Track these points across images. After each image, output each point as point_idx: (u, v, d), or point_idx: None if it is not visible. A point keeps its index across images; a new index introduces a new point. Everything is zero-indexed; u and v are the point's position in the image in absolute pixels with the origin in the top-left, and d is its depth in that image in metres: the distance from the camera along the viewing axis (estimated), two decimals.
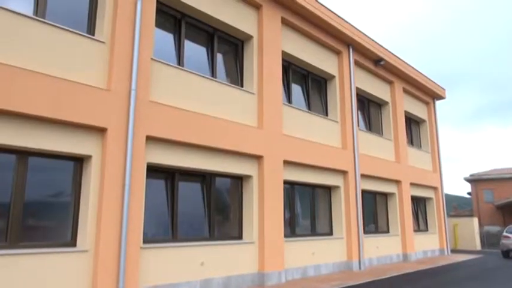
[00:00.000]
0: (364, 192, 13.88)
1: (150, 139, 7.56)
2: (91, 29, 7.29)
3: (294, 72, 12.05)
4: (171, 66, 8.22)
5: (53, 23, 6.51)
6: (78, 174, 6.76)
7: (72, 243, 6.48)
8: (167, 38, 8.75)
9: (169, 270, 7.50)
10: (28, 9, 6.55)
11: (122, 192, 6.84)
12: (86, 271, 6.37)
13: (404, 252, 15.08)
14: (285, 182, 10.73)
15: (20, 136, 5.96)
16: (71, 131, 6.54)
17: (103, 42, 7.14)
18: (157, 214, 7.90)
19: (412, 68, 16.78)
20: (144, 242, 7.32)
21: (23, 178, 6.11)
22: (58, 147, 6.36)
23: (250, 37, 10.23)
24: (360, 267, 12.15)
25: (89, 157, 6.76)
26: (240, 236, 9.32)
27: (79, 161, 6.81)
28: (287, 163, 10.57)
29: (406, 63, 16.31)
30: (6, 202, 5.94)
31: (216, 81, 9.10)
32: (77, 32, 6.81)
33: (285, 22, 11.21)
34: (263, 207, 9.38)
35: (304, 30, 11.72)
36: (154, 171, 7.91)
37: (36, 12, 6.59)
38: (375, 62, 14.87)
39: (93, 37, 7.03)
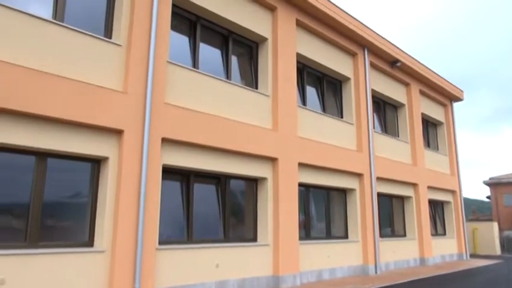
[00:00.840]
0: (380, 195, 13.70)
1: (165, 141, 7.62)
2: (108, 33, 7.40)
3: (309, 74, 12.00)
4: (186, 68, 8.27)
5: (71, 27, 6.62)
6: (95, 176, 6.85)
7: (90, 243, 6.56)
8: (182, 41, 8.82)
9: (184, 271, 7.52)
10: (47, 13, 6.68)
11: (138, 194, 6.89)
12: (103, 271, 6.44)
13: (422, 256, 14.82)
14: (300, 185, 10.66)
15: (39, 138, 6.07)
16: (88, 132, 6.63)
17: (120, 45, 7.24)
18: (172, 215, 7.94)
19: (429, 69, 16.54)
20: (160, 243, 7.36)
21: (42, 179, 6.22)
22: (76, 148, 6.45)
23: (264, 39, 10.24)
24: (376, 271, 11.98)
25: (106, 159, 6.84)
26: (254, 238, 9.30)
27: (96, 163, 6.90)
28: (302, 165, 10.51)
29: (422, 64, 16.09)
30: (25, 202, 6.05)
31: (230, 83, 9.13)
32: (95, 35, 6.92)
33: (299, 24, 11.19)
34: (278, 210, 9.34)
35: (319, 32, 11.67)
36: (169, 172, 7.96)
37: (55, 16, 6.72)
38: (391, 63, 14.71)
39: (110, 40, 7.13)
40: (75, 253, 6.19)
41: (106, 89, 6.78)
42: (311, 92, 12.00)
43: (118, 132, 6.98)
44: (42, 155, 6.28)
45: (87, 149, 6.58)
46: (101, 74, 6.91)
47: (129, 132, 6.96)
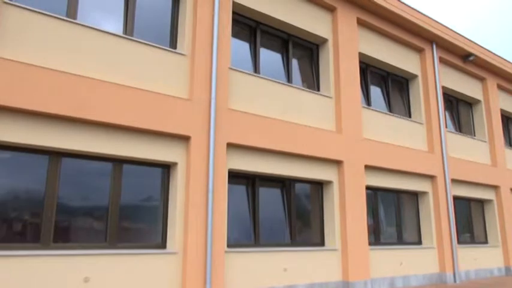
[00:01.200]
0: (456, 198, 12.77)
1: (230, 146, 7.76)
2: (173, 43, 7.75)
3: (373, 73, 11.61)
4: (248, 74, 8.40)
5: (140, 40, 7.04)
6: (166, 180, 7.16)
7: (163, 245, 6.85)
8: (243, 47, 8.98)
9: (252, 274, 7.56)
10: (118, 28, 7.16)
11: (206, 197, 7.08)
12: (176, 272, 6.68)
13: (508, 265, 13.51)
14: (368, 188, 10.28)
15: (116, 146, 6.49)
16: (158, 139, 6.96)
17: (184, 55, 7.55)
18: (239, 219, 8.04)
19: (507, 61, 15.21)
20: (228, 246, 7.47)
21: (118, 184, 6.63)
22: (148, 155, 6.80)
23: (325, 40, 10.10)
24: (454, 280, 11.13)
25: (175, 164, 7.13)
26: (322, 243, 9.10)
27: (166, 168, 7.21)
28: (369, 168, 10.14)
29: (499, 57, 14.83)
30: (105, 205, 6.48)
31: (292, 86, 9.10)
32: (161, 46, 7.28)
33: (360, 23, 10.90)
34: (345, 213, 9.07)
35: (382, 29, 11.26)
36: (235, 177, 8.08)
37: (125, 31, 7.19)
38: (463, 58, 13.76)
39: (175, 50, 7.46)
40: (150, 254, 6.49)
41: (173, 97, 7.08)
42: (376, 91, 11.58)
43: (185, 139, 7.24)
44: (118, 162, 6.70)
45: (158, 155, 6.90)
46: (168, 83, 7.24)
47: (195, 138, 7.20)
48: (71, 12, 6.59)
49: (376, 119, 10.72)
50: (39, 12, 6.07)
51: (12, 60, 5.63)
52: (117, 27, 7.16)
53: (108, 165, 6.62)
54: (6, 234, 5.70)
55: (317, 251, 8.65)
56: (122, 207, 6.61)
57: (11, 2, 5.84)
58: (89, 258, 5.96)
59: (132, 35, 7.21)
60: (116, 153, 6.47)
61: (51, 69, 5.93)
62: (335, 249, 8.91)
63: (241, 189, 8.25)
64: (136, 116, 6.57)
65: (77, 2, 6.70)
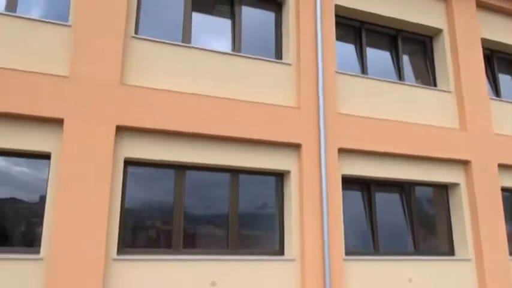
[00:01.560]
0: None
1: (342, 151, 7.58)
2: (278, 54, 7.94)
3: (500, 60, 10.26)
4: (355, 76, 8.16)
5: (248, 55, 7.37)
6: (280, 188, 7.30)
7: (281, 251, 6.97)
8: (348, 49, 8.77)
9: (373, 283, 7.20)
10: (227, 47, 7.61)
11: (320, 204, 7.02)
12: (295, 279, 6.73)
13: None
14: (504, 190, 9.04)
15: (232, 157, 6.86)
16: (271, 149, 7.15)
17: (290, 64, 7.67)
18: (356, 225, 7.77)
19: None
20: (346, 253, 7.26)
21: (236, 193, 6.98)
22: (262, 164, 7.03)
23: (439, 31, 9.29)
24: None
25: (288, 172, 7.24)
26: (451, 252, 8.25)
27: (280, 176, 7.36)
28: (504, 167, 8.92)
29: None
30: (225, 214, 6.87)
31: (405, 84, 8.55)
32: (267, 59, 7.52)
33: (480, 5, 9.76)
34: (477, 219, 8.10)
35: (508, 9, 9.92)
36: (349, 182, 7.86)
37: (233, 49, 7.61)
38: None
39: (281, 61, 7.64)
40: (268, 260, 6.66)
41: (282, 106, 7.23)
42: (506, 80, 10.20)
43: (296, 147, 7.31)
44: (235, 172, 7.06)
45: (271, 164, 7.09)
46: (276, 93, 7.42)
47: (306, 145, 7.21)
48: (186, 37, 7.23)
49: (509, 111, 9.42)
50: (159, 42, 6.80)
51: (141, 87, 6.40)
52: (226, 46, 7.62)
53: (226, 176, 7.02)
54: (143, 241, 6.43)
55: (446, 261, 7.88)
56: (240, 215, 6.94)
57: (137, 36, 6.66)
58: (214, 263, 6.37)
59: (240, 52, 7.59)
60: (232, 164, 6.84)
61: (173, 91, 6.57)
62: (468, 259, 7.99)
63: (356, 195, 7.98)
64: (249, 127, 6.87)
65: (190, 27, 7.32)
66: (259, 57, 7.47)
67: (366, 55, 8.73)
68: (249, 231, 6.99)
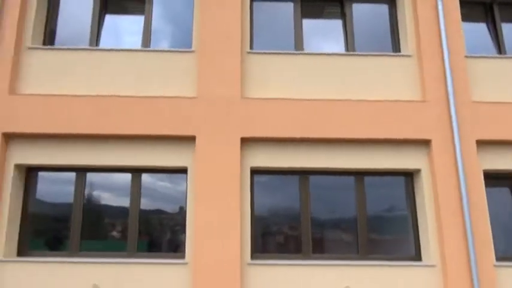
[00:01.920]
0: None
1: (481, 143, 6.74)
2: (396, 47, 7.47)
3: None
4: (491, 57, 7.20)
5: (363, 53, 7.12)
6: (410, 189, 6.83)
7: (417, 256, 6.48)
8: (476, 29, 7.79)
9: None
10: (340, 48, 7.46)
11: (459, 204, 6.34)
12: (436, 287, 6.17)
13: None
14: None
15: (356, 159, 6.67)
16: (396, 148, 6.75)
17: (409, 56, 7.15)
18: (504, 227, 6.79)
19: None
20: (497, 259, 6.38)
21: (362, 196, 6.74)
22: (387, 165, 6.68)
23: None
24: None
25: (418, 171, 6.73)
26: None
27: (409, 176, 6.88)
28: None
29: None
30: (352, 217, 6.69)
31: None
32: (384, 53, 7.15)
33: None
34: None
35: None
36: (494, 178, 6.92)
37: (347, 48, 7.41)
38: None
39: (399, 54, 7.19)
40: (405, 266, 6.26)
41: (405, 101, 6.78)
42: None
43: (426, 143, 6.75)
44: (360, 174, 6.83)
45: (398, 164, 6.69)
46: (398, 88, 6.99)
47: (436, 140, 6.61)
48: (298, 45, 7.31)
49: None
50: (273, 53, 7.01)
51: (260, 99, 6.69)
52: (339, 47, 7.48)
53: (351, 179, 6.84)
54: (273, 246, 6.64)
55: None
56: (369, 219, 6.67)
57: (252, 51, 6.99)
58: (345, 268, 6.24)
59: (354, 51, 7.37)
60: (357, 166, 6.65)
61: (291, 99, 6.70)
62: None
63: (504, 192, 6.98)
64: (372, 127, 6.60)
65: (302, 34, 7.39)
66: (376, 53, 7.15)
67: (501, 33, 7.64)
68: (378, 235, 6.68)
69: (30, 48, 7.00)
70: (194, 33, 7.09)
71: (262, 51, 7.04)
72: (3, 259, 6.32)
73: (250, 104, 6.65)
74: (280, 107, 6.64)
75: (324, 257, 6.50)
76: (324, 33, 7.56)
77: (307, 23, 7.51)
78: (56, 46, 7.21)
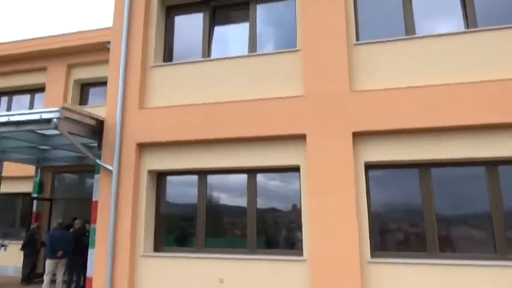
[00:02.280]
0: None
1: None
2: None
3: None
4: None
5: (485, 28, 6.35)
6: None
7: None
8: None
9: None
10: (458, 26, 6.75)
11: None
12: None
13: None
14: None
15: (486, 146, 5.96)
16: None
17: None
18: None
19: None
20: None
21: (496, 188, 5.99)
22: None
23: None
24: None
25: None
26: None
27: None
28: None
29: None
30: (485, 213, 5.99)
31: None
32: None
33: None
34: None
35: None
36: None
37: (467, 25, 6.65)
38: None
39: None
40: None
41: None
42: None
43: None
44: (491, 164, 6.08)
45: None
46: None
47: None
48: (409, 29, 6.81)
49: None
50: (381, 41, 6.69)
51: (369, 91, 6.44)
52: (456, 25, 6.79)
53: (481, 170, 6.15)
54: (394, 244, 6.33)
55: None
56: (506, 214, 5.91)
57: (359, 42, 6.77)
58: (480, 269, 5.64)
59: (475, 27, 6.58)
60: (487, 155, 5.96)
61: (402, 88, 6.30)
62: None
63: None
64: (503, 109, 5.82)
65: (412, 17, 6.87)
66: (502, 26, 6.31)
67: None
68: None
69: (153, 66, 7.85)
70: (298, 32, 7.15)
71: (370, 41, 6.76)
72: (144, 254, 7.17)
73: (360, 97, 6.44)
74: (393, 97, 6.29)
75: (454, 256, 5.95)
76: (437, 12, 6.93)
77: (417, 4, 6.95)
78: (174, 62, 7.95)
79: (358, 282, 5.88)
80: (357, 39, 6.90)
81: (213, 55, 7.85)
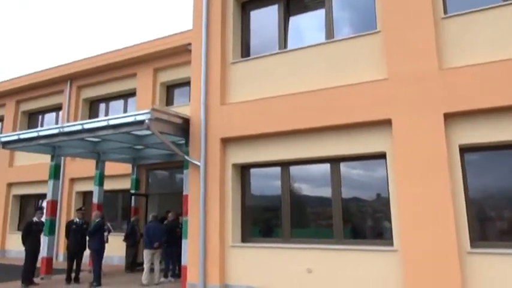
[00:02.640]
0: None
1: None
2: None
3: None
4: None
5: None
6: None
7: None
8: None
9: None
10: None
11: None
12: None
13: None
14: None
15: None
16: None
17: None
18: None
19: None
20: None
21: None
22: None
23: None
24: None
25: None
26: None
27: None
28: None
29: None
30: None
31: None
32: None
33: None
34: None
35: None
36: None
37: None
38: None
39: None
40: None
41: None
42: None
43: None
44: None
45: None
46: None
47: None
48: None
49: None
50: (473, 11, 6.08)
51: (462, 67, 5.91)
52: None
53: None
54: (495, 233, 5.79)
55: None
56: None
57: (447, 15, 6.22)
58: None
59: None
60: None
61: (503, 60, 5.67)
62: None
63: None
64: None
65: None
66: None
67: None
68: None
69: (232, 63, 8.08)
70: (378, 13, 6.82)
71: (460, 12, 6.18)
72: (232, 244, 7.45)
73: (451, 75, 5.95)
74: (490, 72, 5.70)
75: None
76: None
77: None
78: (251, 57, 8.09)
79: (457, 274, 5.48)
80: (445, 12, 6.36)
81: (290, 46, 7.84)
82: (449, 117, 5.94)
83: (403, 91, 6.22)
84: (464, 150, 5.98)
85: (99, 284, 8.65)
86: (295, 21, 8.08)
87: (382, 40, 6.64)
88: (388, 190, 6.34)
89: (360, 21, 7.29)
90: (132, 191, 12.03)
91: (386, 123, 6.35)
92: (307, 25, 7.94)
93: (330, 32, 7.41)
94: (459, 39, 6.13)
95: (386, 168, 6.40)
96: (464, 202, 5.77)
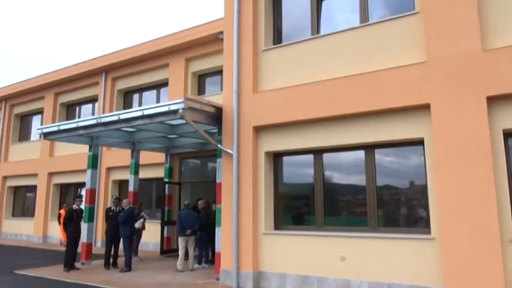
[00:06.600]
0: None
1: None
2: None
3: None
4: None
5: None
6: None
7: None
8: None
9: None
10: None
11: None
12: None
13: None
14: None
15: None
16: None
17: None
18: None
19: None
20: None
21: None
22: None
23: None
24: None
25: None
26: None
27: None
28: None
29: None
30: None
31: None
32: None
33: None
34: None
35: None
36: None
37: None
38: None
39: None
40: None
41: None
42: None
43: None
44: None
45: None
46: None
47: None
48: None
49: None
50: None
51: (501, 48, 5.62)
52: None
53: None
54: None
55: None
56: None
57: None
58: None
59: None
60: None
61: None
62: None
63: None
64: None
65: None
66: None
67: None
68: None
69: (264, 50, 8.02)
70: None
71: None
72: (265, 232, 7.48)
73: (496, 56, 5.64)
74: None
75: None
76: None
77: None
78: (283, 43, 7.99)
79: (499, 265, 5.27)
80: None
81: (322, 31, 7.68)
82: (492, 100, 5.66)
83: (443, 74, 5.96)
84: (508, 135, 5.71)
85: (130, 269, 8.93)
86: (327, 4, 7.89)
87: (420, 21, 6.37)
88: (425, 177, 6.15)
89: (397, 3, 7.03)
90: (166, 180, 12.28)
91: (424, 108, 6.12)
92: (341, 8, 7.74)
93: (364, 15, 7.20)
94: (504, 18, 5.79)
95: (424, 155, 6.21)
96: (508, 189, 5.53)
